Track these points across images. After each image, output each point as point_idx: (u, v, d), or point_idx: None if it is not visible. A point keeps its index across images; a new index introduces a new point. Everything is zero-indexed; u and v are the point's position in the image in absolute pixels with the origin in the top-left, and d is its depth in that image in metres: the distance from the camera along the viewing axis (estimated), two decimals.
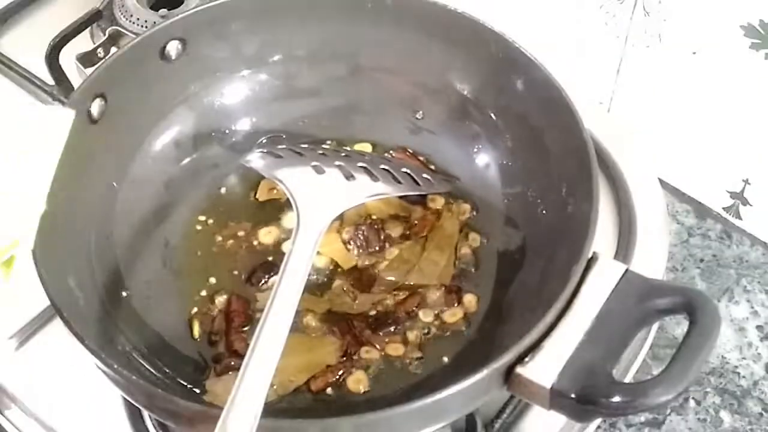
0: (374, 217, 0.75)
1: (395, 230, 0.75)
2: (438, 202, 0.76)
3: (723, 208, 0.88)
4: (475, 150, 0.78)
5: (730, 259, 0.86)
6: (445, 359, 0.68)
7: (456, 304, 0.70)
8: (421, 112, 0.80)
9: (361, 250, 0.73)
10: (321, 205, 0.66)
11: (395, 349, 0.68)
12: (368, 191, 0.71)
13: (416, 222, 0.75)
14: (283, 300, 0.58)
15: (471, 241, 0.74)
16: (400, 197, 0.75)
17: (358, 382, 0.67)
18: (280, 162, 0.72)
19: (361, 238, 0.74)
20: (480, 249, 0.74)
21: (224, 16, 0.75)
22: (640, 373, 0.76)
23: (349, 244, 0.73)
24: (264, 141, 0.79)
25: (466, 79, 0.76)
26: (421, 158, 0.79)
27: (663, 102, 0.85)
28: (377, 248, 0.73)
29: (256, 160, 0.74)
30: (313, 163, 0.71)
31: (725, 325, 0.82)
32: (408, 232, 0.74)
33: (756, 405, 0.77)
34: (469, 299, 0.71)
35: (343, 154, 0.75)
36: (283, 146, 0.77)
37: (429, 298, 0.71)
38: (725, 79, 0.79)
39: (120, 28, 0.86)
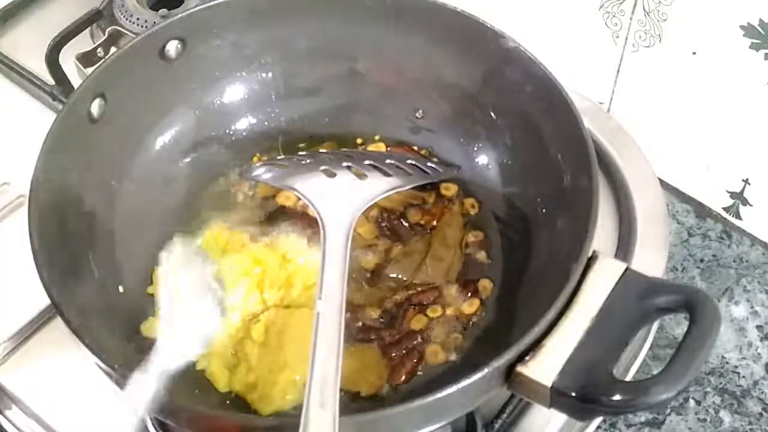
0: (388, 209, 0.75)
1: (414, 217, 0.75)
2: (451, 190, 0.77)
3: (723, 208, 0.88)
4: (475, 149, 0.78)
5: (730, 259, 0.86)
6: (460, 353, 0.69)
7: (472, 295, 0.71)
8: (420, 110, 0.80)
9: (391, 242, 0.74)
10: (342, 209, 0.67)
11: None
12: (383, 187, 0.71)
13: (431, 208, 0.76)
14: (328, 311, 0.58)
15: (474, 238, 0.74)
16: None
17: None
18: (288, 172, 0.72)
19: (386, 230, 0.74)
20: (482, 247, 0.74)
21: (224, 15, 0.76)
22: (639, 373, 0.76)
23: (378, 238, 0.74)
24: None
25: (466, 78, 0.76)
26: (422, 152, 0.79)
27: (663, 102, 0.85)
28: (409, 235, 0.74)
29: (263, 173, 0.74)
30: (323, 168, 0.71)
31: (725, 325, 0.82)
32: (423, 221, 0.75)
33: (756, 405, 0.77)
34: (484, 284, 0.72)
35: (346, 155, 0.75)
36: (282, 156, 0.78)
37: (446, 294, 0.71)
38: (725, 79, 0.79)
39: (120, 28, 0.86)
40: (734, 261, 0.86)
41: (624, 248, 0.78)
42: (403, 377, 0.67)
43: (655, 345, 0.79)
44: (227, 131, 0.80)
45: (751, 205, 0.86)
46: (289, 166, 0.73)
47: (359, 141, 0.80)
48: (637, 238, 0.78)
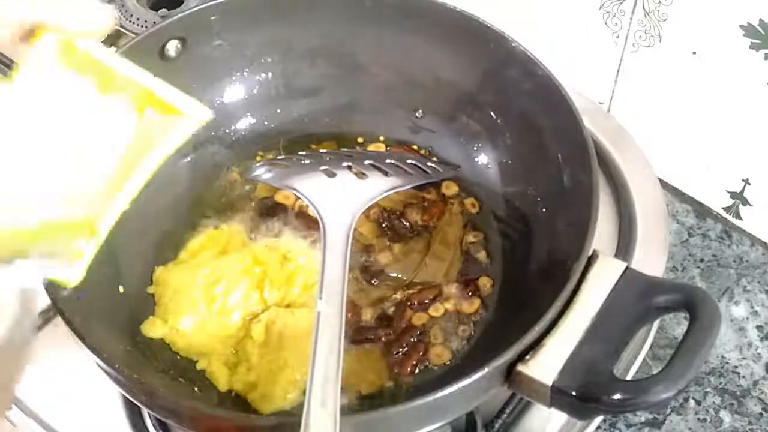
0: (388, 208, 0.75)
1: (414, 217, 0.75)
2: (452, 190, 0.77)
3: (723, 208, 0.88)
4: (475, 148, 0.78)
5: (730, 259, 0.86)
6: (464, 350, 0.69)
7: (472, 294, 0.71)
8: (420, 110, 0.80)
9: (391, 241, 0.74)
10: (342, 209, 0.67)
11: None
12: (383, 187, 0.71)
13: (431, 207, 0.76)
14: (328, 310, 0.58)
15: (474, 238, 0.74)
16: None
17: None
18: (289, 171, 0.73)
19: (387, 229, 0.74)
20: (483, 246, 0.74)
21: (224, 15, 0.76)
22: (639, 373, 0.76)
23: (378, 237, 0.74)
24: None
25: (466, 78, 0.76)
26: (422, 152, 0.80)
27: (663, 102, 0.85)
28: (409, 234, 0.74)
29: (264, 173, 0.74)
30: (323, 168, 0.71)
31: (725, 325, 0.82)
32: (423, 221, 0.75)
33: (756, 405, 0.77)
34: (484, 282, 0.72)
35: (346, 155, 0.75)
36: (282, 156, 0.78)
37: (446, 293, 0.71)
38: (725, 79, 0.79)
39: (120, 28, 0.86)
40: (734, 261, 0.86)
41: (624, 248, 0.78)
42: (409, 369, 0.67)
43: (655, 345, 0.79)
44: (227, 131, 0.80)
45: (751, 205, 0.86)
46: (290, 166, 0.73)
47: (360, 141, 0.80)
48: (637, 238, 0.78)
